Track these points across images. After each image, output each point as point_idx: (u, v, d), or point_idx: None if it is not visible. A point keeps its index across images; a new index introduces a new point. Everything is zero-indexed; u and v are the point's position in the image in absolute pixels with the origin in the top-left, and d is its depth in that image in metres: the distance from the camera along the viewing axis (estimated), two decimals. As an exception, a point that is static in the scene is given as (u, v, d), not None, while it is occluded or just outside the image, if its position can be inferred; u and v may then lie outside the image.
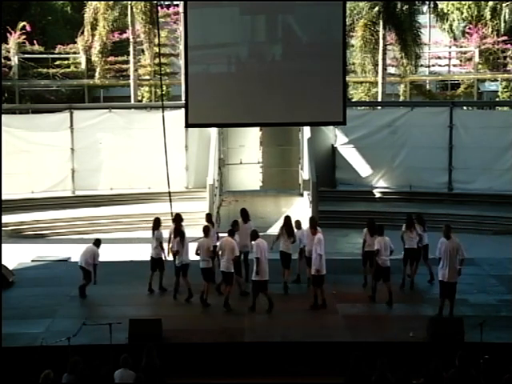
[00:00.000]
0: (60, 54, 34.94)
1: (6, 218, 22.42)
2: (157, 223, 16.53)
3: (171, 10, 35.58)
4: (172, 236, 15.94)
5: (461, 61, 37.81)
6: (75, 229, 24.54)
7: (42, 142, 26.42)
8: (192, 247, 15.85)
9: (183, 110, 17.22)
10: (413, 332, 13.44)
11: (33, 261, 19.53)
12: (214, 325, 14.18)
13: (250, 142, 28.98)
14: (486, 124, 26.42)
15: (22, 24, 34.13)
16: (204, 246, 15.30)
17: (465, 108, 30.68)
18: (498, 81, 38.09)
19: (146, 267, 17.81)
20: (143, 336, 12.57)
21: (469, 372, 10.17)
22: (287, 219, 16.56)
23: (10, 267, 17.58)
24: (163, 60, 33.49)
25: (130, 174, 26.73)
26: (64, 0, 40.03)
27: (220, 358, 12.96)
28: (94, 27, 31.61)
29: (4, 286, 15.98)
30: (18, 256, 19.65)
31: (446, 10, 38.16)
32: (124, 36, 33.89)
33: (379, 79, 31.74)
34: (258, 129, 28.20)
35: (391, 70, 34.52)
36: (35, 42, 34.43)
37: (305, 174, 26.86)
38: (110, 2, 31.43)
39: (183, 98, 19.59)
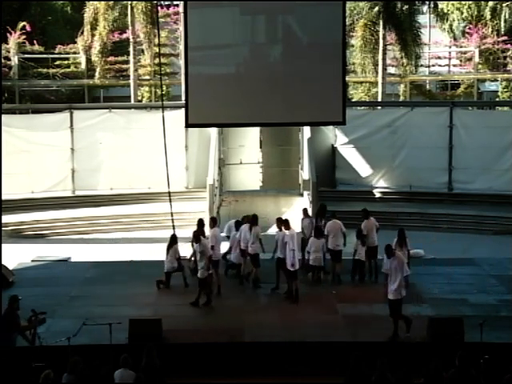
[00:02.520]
0: (60, 54, 34.91)
1: (5, 218, 22.40)
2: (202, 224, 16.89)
3: (171, 10, 35.56)
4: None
5: (461, 61, 37.78)
6: (75, 229, 24.53)
7: (42, 142, 26.40)
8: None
9: (183, 109, 17.24)
10: (411, 333, 13.45)
11: (33, 261, 19.53)
12: (214, 325, 14.20)
13: (250, 141, 28.97)
14: (486, 124, 26.38)
15: (22, 24, 34.09)
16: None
17: (470, 108, 30.58)
18: (497, 81, 38.08)
19: (145, 267, 17.90)
20: (143, 336, 12.58)
21: (469, 372, 10.18)
22: (305, 210, 17.54)
23: (10, 267, 17.59)
24: (163, 60, 33.47)
25: (130, 174, 26.71)
26: (64, 0, 40.02)
27: (220, 358, 12.97)
28: (93, 27, 31.58)
29: (4, 286, 15.97)
30: (18, 256, 19.65)
31: (446, 10, 38.12)
32: (124, 36, 33.85)
33: (379, 79, 31.72)
34: (258, 129, 28.20)
35: (391, 70, 34.48)
36: (35, 41, 34.41)
37: (305, 174, 26.86)
38: (110, 2, 31.41)
39: (183, 98, 19.61)
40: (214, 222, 17.03)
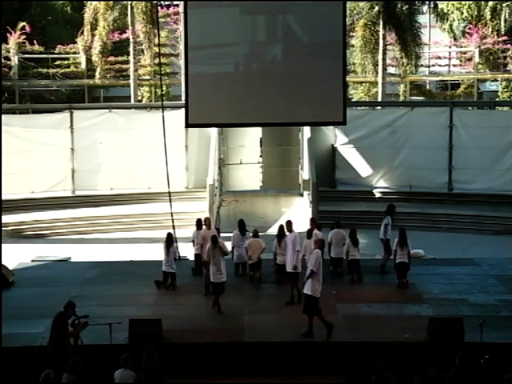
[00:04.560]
0: (60, 54, 34.89)
1: (5, 218, 22.41)
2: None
3: (171, 10, 35.53)
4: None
5: (461, 61, 37.76)
6: (75, 229, 24.53)
7: (42, 142, 26.41)
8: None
9: (183, 109, 17.24)
10: (411, 333, 13.45)
11: (33, 261, 19.52)
12: (214, 325, 14.20)
13: (250, 141, 28.99)
14: (486, 124, 26.37)
15: (22, 24, 34.08)
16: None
17: (470, 108, 30.55)
18: (498, 81, 38.07)
19: (145, 267, 17.88)
20: (143, 336, 12.57)
21: (469, 372, 10.18)
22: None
23: (10, 267, 17.58)
24: (163, 60, 33.45)
25: (129, 173, 26.71)
26: (64, 0, 40.01)
27: (220, 358, 12.97)
28: (93, 27, 31.58)
29: (4, 286, 15.98)
30: (18, 256, 19.65)
31: (446, 10, 38.09)
32: (124, 36, 33.83)
33: (379, 79, 31.71)
34: (258, 129, 28.20)
35: (391, 70, 34.47)
36: (35, 41, 34.40)
37: (305, 174, 26.87)
38: (110, 2, 31.41)
39: (183, 98, 19.61)
40: (200, 223, 17.24)
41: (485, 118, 27.26)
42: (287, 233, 15.93)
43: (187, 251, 18.89)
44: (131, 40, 31.88)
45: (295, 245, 15.38)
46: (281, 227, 16.55)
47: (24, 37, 34.04)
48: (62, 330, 11.72)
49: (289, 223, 16.09)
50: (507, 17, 36.02)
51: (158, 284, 16.44)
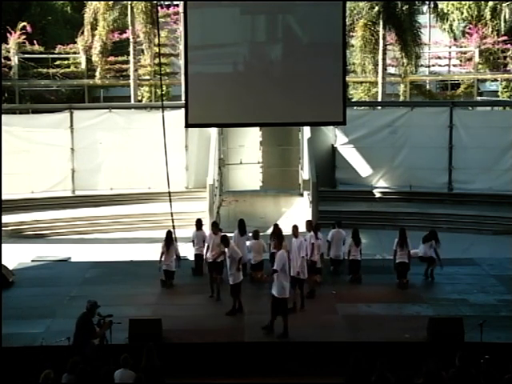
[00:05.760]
0: (60, 54, 34.93)
1: (5, 218, 22.42)
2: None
3: (171, 10, 35.56)
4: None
5: (461, 61, 37.79)
6: (75, 229, 24.55)
7: (42, 142, 26.43)
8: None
9: (183, 109, 17.22)
10: (411, 333, 13.45)
11: (33, 261, 19.52)
12: (214, 325, 14.19)
13: (250, 141, 28.99)
14: (486, 124, 26.40)
15: (22, 24, 34.11)
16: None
17: (470, 108, 30.56)
18: (498, 81, 38.07)
19: (145, 267, 17.88)
20: (143, 336, 12.57)
21: (469, 372, 10.18)
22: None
23: (10, 267, 17.58)
24: (163, 60, 33.47)
25: (129, 174, 26.73)
26: (64, 0, 40.02)
27: (220, 358, 12.97)
28: (94, 27, 31.61)
29: (4, 286, 15.98)
30: (18, 256, 19.66)
31: (446, 10, 38.13)
32: (124, 36, 33.86)
33: (379, 79, 31.72)
34: (258, 129, 28.20)
35: (391, 70, 34.49)
36: (35, 41, 34.41)
37: (305, 174, 26.87)
38: (110, 2, 31.43)
39: (183, 98, 19.60)
40: (200, 224, 17.26)
41: (485, 118, 27.30)
42: (293, 237, 15.78)
43: (187, 251, 18.88)
44: (131, 40, 31.90)
45: (301, 250, 15.13)
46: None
47: (24, 37, 34.07)
48: (88, 330, 11.75)
49: (295, 228, 15.88)
50: (507, 17, 36.05)
51: (163, 283, 16.43)
